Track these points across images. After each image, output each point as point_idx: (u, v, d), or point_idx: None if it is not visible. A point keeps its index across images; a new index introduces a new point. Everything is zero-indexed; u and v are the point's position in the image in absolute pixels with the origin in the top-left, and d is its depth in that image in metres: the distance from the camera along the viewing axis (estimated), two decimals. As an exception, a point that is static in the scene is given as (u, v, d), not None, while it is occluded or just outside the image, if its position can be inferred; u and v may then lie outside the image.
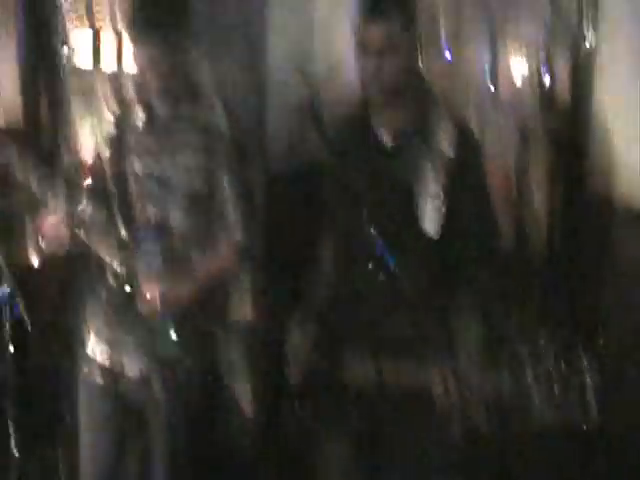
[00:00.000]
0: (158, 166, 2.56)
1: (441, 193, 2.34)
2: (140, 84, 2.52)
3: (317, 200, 2.67)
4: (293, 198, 3.30)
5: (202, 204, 2.57)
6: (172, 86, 2.53)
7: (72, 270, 3.01)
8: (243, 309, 2.84)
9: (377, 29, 2.34)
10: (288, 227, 3.12)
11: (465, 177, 2.40)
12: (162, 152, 2.56)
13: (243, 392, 2.78)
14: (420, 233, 2.36)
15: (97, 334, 2.67)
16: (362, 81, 2.42)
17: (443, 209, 2.34)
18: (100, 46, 4.85)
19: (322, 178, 2.65)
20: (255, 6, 3.51)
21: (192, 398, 2.59)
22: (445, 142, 2.36)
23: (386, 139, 2.48)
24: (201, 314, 2.57)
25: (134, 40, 2.48)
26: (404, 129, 2.43)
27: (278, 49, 3.52)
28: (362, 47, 2.38)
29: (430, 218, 2.34)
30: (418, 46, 2.43)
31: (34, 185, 2.48)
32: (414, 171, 2.38)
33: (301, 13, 3.59)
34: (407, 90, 2.42)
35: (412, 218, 2.37)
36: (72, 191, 2.52)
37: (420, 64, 2.52)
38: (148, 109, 2.57)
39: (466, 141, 2.44)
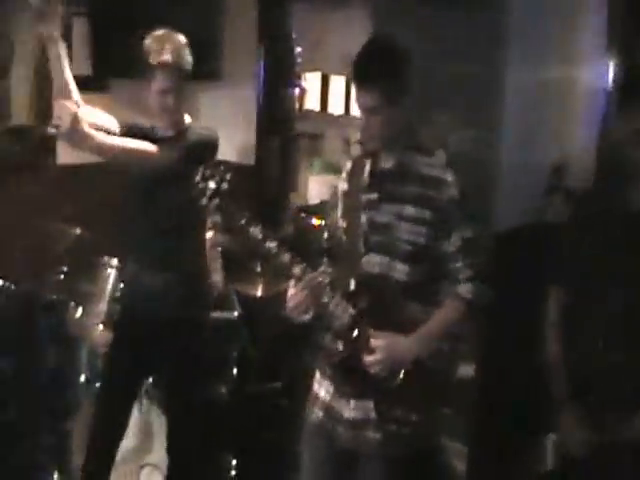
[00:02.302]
0: (382, 216, 2.58)
1: None
2: (364, 132, 2.54)
3: (552, 263, 2.63)
4: (521, 257, 3.25)
5: (426, 256, 2.57)
6: (395, 137, 2.55)
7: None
8: (467, 364, 2.81)
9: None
10: (515, 285, 3.07)
11: None
12: (386, 202, 2.58)
13: (459, 451, 2.76)
14: None
15: (322, 372, 2.72)
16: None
17: None
18: (328, 90, 5.05)
19: (558, 241, 2.61)
20: (493, 65, 3.49)
21: (401, 451, 2.57)
22: None
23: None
24: (426, 369, 2.56)
25: (356, 88, 2.52)
26: None
27: (515, 110, 3.49)
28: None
29: None
30: None
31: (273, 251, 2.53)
32: None
33: (537, 73, 3.55)
34: None
35: None
36: (309, 254, 2.53)
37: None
38: (373, 157, 2.60)
39: None
